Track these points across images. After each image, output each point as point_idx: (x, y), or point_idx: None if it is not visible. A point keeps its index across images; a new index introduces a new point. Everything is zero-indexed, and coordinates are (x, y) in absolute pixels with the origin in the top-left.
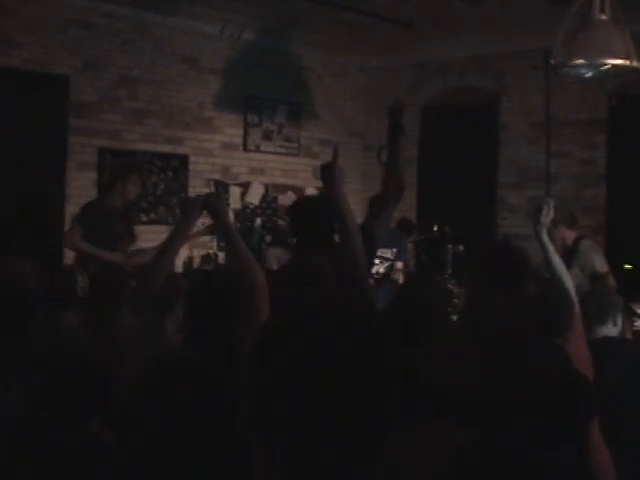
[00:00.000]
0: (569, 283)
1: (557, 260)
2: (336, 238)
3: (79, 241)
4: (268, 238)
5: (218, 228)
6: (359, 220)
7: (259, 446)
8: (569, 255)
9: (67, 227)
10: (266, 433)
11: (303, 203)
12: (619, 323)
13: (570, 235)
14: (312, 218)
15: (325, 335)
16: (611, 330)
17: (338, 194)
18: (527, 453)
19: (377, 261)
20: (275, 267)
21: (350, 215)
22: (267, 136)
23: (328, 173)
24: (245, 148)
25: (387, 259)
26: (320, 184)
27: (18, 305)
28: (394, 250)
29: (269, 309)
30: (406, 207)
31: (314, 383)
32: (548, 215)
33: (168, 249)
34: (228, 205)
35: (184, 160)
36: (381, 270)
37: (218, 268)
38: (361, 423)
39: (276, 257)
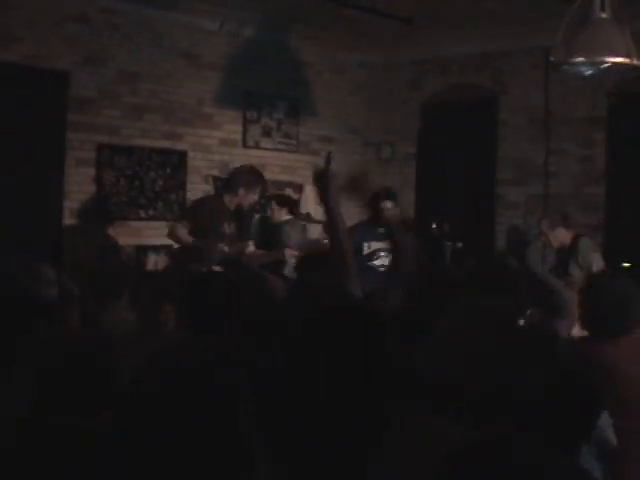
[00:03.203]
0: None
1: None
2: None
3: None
4: None
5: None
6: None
7: (260, 446)
8: (568, 253)
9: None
10: (268, 433)
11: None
12: None
13: (568, 235)
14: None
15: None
16: None
17: (330, 200)
18: (534, 454)
19: (382, 253)
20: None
21: (342, 224)
22: (266, 132)
23: (321, 179)
24: (244, 144)
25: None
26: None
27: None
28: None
29: None
30: (405, 204)
31: (316, 381)
32: None
33: None
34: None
35: (183, 156)
36: (386, 263)
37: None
38: (360, 422)
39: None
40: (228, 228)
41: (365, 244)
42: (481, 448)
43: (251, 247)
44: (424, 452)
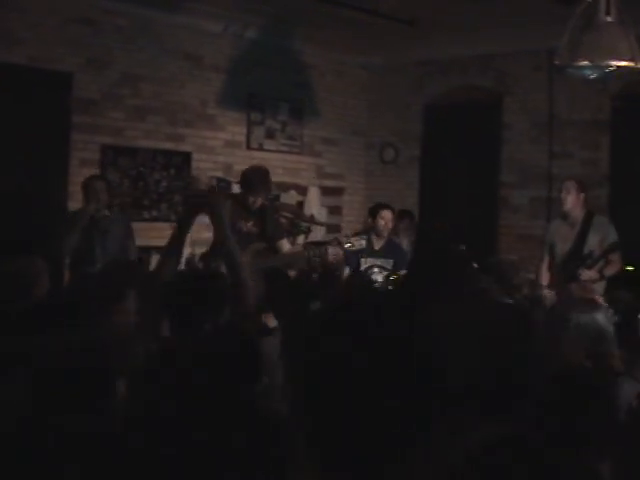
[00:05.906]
0: None
1: None
2: None
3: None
4: None
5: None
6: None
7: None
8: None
9: None
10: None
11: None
12: None
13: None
14: None
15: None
16: None
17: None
18: (545, 452)
19: (376, 269)
20: None
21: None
22: (270, 134)
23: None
24: (248, 146)
25: (385, 269)
26: (323, 183)
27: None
28: (391, 261)
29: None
30: (408, 206)
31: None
32: None
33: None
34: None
35: (187, 157)
36: (379, 279)
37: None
38: (395, 422)
39: None
40: (245, 226)
41: (362, 260)
42: (500, 446)
43: (286, 245)
44: (439, 453)
